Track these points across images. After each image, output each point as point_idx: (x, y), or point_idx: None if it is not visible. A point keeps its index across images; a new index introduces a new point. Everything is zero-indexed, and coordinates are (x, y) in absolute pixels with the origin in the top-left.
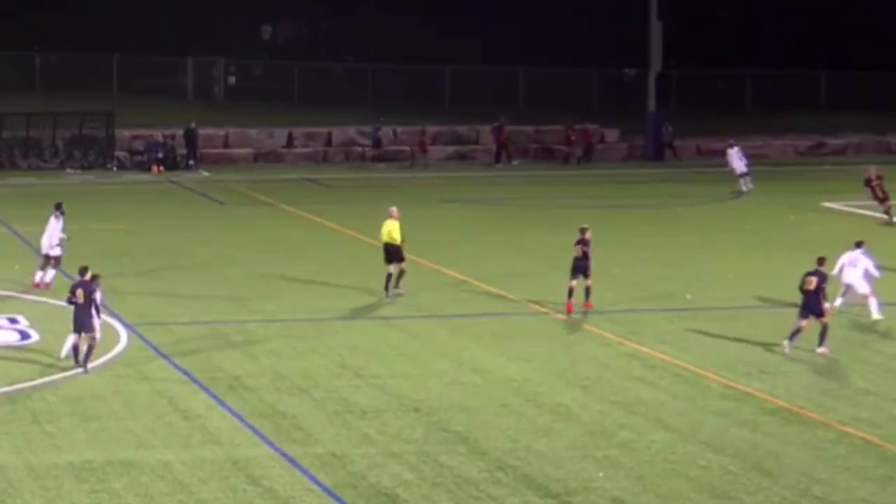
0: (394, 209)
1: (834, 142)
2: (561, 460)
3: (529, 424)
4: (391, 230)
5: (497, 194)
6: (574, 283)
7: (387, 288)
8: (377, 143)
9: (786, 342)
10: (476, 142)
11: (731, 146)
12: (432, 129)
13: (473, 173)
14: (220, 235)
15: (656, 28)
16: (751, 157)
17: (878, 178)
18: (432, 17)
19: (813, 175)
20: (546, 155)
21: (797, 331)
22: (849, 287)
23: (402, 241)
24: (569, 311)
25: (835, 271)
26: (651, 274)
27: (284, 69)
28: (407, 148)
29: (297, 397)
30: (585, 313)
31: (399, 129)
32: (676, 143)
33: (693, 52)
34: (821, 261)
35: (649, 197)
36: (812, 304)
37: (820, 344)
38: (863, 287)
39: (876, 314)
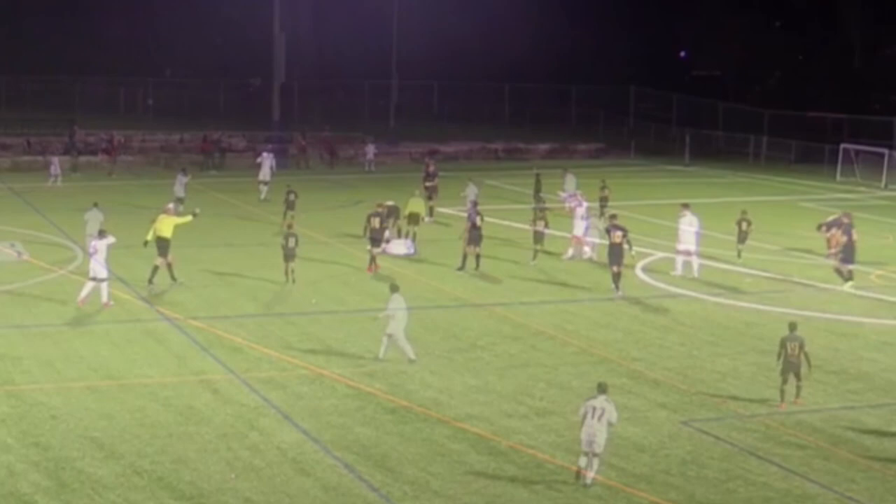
0: (170, 206)
1: (446, 149)
2: (194, 463)
3: (163, 428)
4: (162, 226)
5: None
6: (375, 249)
7: (150, 280)
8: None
9: (617, 293)
10: (95, 153)
11: (266, 151)
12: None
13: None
14: None
15: (279, 39)
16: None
17: (432, 175)
18: (71, 29)
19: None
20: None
21: (614, 276)
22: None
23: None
24: (374, 270)
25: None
26: (275, 279)
27: None
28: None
29: None
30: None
31: None
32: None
33: (314, 64)
34: (612, 217)
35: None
36: (617, 253)
37: (617, 289)
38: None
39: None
